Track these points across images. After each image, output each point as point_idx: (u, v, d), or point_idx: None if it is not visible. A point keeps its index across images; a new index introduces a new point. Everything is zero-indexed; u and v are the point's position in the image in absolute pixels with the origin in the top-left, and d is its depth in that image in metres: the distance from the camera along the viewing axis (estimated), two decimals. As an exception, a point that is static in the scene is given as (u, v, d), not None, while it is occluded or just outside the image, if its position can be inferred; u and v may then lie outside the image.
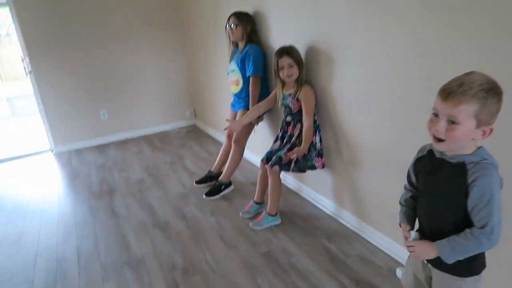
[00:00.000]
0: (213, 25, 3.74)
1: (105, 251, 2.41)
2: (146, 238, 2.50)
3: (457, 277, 1.11)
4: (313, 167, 2.42)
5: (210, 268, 2.14)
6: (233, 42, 2.88)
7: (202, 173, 3.39)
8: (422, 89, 1.67)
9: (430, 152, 1.14)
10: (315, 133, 2.38)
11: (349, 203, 2.39)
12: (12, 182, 3.71)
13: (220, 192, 3.00)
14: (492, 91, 0.96)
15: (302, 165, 2.41)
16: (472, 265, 1.11)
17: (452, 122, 0.98)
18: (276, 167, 2.40)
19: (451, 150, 1.05)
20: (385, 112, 1.92)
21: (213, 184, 3.09)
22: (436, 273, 1.15)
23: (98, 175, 3.66)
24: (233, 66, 2.88)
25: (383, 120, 1.95)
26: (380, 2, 1.79)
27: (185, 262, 2.21)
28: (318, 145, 2.40)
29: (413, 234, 1.14)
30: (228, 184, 3.06)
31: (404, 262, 1.93)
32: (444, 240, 1.06)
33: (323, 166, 2.45)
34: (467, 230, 1.03)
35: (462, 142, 1.01)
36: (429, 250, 1.09)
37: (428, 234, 1.13)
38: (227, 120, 2.69)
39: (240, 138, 2.97)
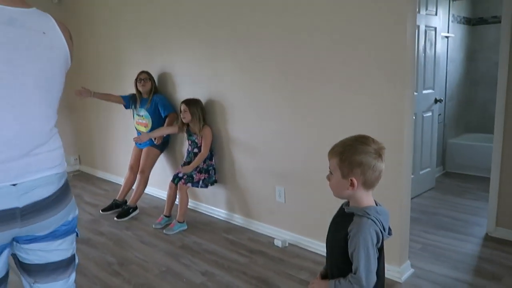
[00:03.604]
0: (108, 85, 4.44)
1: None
2: (74, 251, 2.95)
3: None
4: (214, 182, 3.35)
5: (141, 260, 2.77)
6: (141, 93, 3.67)
7: (104, 205, 3.89)
8: (277, 124, 2.83)
9: (342, 205, 1.30)
10: (211, 158, 3.33)
11: (238, 207, 3.35)
12: None
13: (129, 214, 3.60)
14: (350, 147, 1.17)
15: (206, 182, 3.31)
16: None
17: (330, 173, 1.22)
18: (189, 184, 3.24)
19: (352, 204, 1.22)
20: (256, 140, 3.02)
21: (121, 209, 3.67)
22: None
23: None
24: (142, 112, 3.65)
25: (256, 145, 3.04)
26: (253, 70, 2.95)
27: (118, 259, 2.78)
28: (214, 165, 3.35)
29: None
30: (135, 208, 3.68)
31: (277, 238, 2.96)
32: (333, 280, 1.19)
33: (216, 180, 3.38)
34: (349, 275, 1.15)
35: (337, 191, 1.22)
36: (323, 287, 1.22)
37: (329, 276, 1.26)
38: (135, 138, 3.46)
39: (145, 168, 3.68)
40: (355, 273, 1.13)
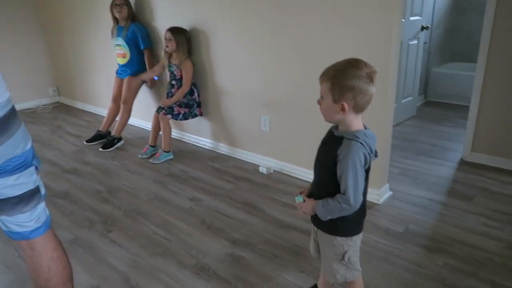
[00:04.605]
0: (83, 9, 4.17)
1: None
2: (61, 180, 2.98)
3: (329, 234, 1.32)
4: (195, 115, 3.33)
5: (129, 188, 2.83)
6: (118, 20, 3.47)
7: (88, 136, 3.86)
8: (262, 52, 2.76)
9: (331, 128, 1.31)
10: (193, 92, 3.27)
11: (223, 136, 3.38)
12: None
13: (114, 145, 3.60)
14: (341, 71, 1.14)
15: (187, 115, 3.28)
16: (341, 227, 1.29)
17: (321, 97, 1.21)
18: (169, 116, 3.21)
19: (342, 128, 1.23)
20: (241, 70, 2.96)
21: (106, 140, 3.66)
22: (318, 231, 1.38)
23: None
24: (119, 41, 3.48)
25: (241, 75, 2.99)
26: (239, -6, 2.81)
27: (106, 188, 2.83)
28: (197, 99, 3.31)
29: (297, 198, 1.36)
30: (120, 139, 3.67)
31: (261, 165, 3.03)
32: (320, 200, 1.25)
33: (201, 114, 3.37)
34: (337, 195, 1.20)
35: (328, 116, 1.21)
36: (310, 207, 1.29)
37: (315, 198, 1.31)
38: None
39: (128, 99, 3.62)
40: (343, 194, 1.18)
